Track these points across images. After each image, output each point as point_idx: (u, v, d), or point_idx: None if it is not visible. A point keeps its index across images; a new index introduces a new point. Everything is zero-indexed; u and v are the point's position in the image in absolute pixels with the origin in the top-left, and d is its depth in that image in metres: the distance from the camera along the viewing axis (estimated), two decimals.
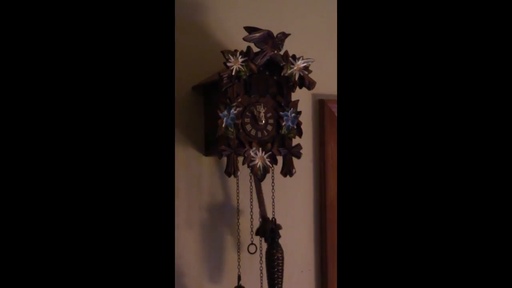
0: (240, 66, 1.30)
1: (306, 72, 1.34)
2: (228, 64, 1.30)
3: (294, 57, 1.34)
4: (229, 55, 1.30)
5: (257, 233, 1.41)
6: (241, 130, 1.33)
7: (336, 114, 1.60)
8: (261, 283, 1.41)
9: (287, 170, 1.36)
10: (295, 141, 1.37)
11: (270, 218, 1.41)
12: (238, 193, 1.42)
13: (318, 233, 1.61)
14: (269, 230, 1.39)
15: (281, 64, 1.33)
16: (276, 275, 1.38)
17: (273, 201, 1.40)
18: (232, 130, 1.32)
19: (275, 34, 1.33)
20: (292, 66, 1.34)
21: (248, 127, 1.34)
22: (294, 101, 1.37)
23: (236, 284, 1.41)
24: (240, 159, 1.34)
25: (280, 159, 1.36)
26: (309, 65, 1.35)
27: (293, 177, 1.37)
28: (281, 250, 1.39)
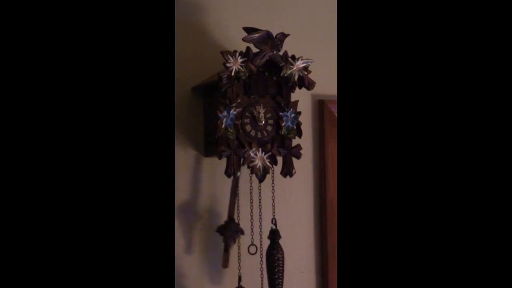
0: (240, 67, 1.30)
1: (306, 73, 1.34)
2: (228, 64, 1.30)
3: (293, 57, 1.34)
4: (229, 56, 1.30)
5: (217, 230, 1.42)
6: (240, 131, 1.33)
7: (335, 114, 1.60)
8: (262, 283, 1.41)
9: (287, 171, 1.36)
10: (295, 141, 1.37)
11: (271, 220, 1.41)
12: (238, 193, 1.42)
13: (318, 233, 1.61)
14: (233, 231, 1.41)
15: (281, 65, 1.33)
16: (276, 276, 1.38)
17: (273, 202, 1.40)
18: (231, 130, 1.32)
19: (274, 35, 1.32)
20: (291, 66, 1.34)
21: (248, 127, 1.34)
22: (294, 102, 1.37)
23: (236, 285, 1.41)
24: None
25: (280, 159, 1.36)
26: (309, 65, 1.35)
27: (293, 177, 1.37)
28: (282, 250, 1.39)
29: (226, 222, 1.43)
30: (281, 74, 1.34)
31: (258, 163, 1.33)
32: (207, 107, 1.47)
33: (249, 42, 1.32)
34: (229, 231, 1.42)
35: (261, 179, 1.34)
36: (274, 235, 1.39)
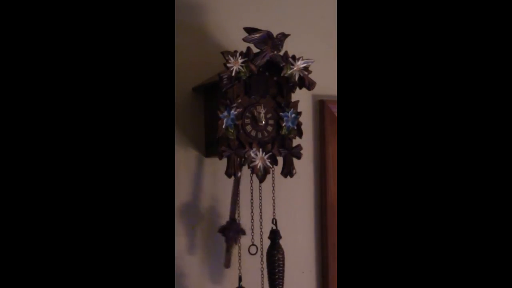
0: (240, 67, 1.30)
1: (306, 73, 1.34)
2: (228, 65, 1.30)
3: (294, 57, 1.34)
4: (229, 56, 1.30)
5: (219, 230, 1.42)
6: (241, 131, 1.33)
7: (336, 114, 1.60)
8: (262, 284, 1.41)
9: (288, 171, 1.36)
10: (295, 141, 1.37)
11: (271, 220, 1.41)
12: (239, 194, 1.42)
13: (319, 233, 1.61)
14: (234, 231, 1.42)
15: (281, 65, 1.33)
16: (277, 276, 1.38)
17: (274, 202, 1.40)
18: (232, 131, 1.32)
19: (274, 35, 1.32)
20: (292, 66, 1.34)
21: (248, 128, 1.34)
22: (294, 102, 1.37)
23: (237, 285, 1.41)
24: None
25: (280, 159, 1.36)
26: (309, 65, 1.35)
27: (294, 177, 1.37)
28: (282, 251, 1.39)
29: (228, 223, 1.43)
30: (282, 74, 1.34)
31: (258, 163, 1.33)
32: (208, 107, 1.47)
33: (249, 42, 1.31)
34: (231, 231, 1.43)
35: (261, 179, 1.34)
36: (275, 235, 1.39)
